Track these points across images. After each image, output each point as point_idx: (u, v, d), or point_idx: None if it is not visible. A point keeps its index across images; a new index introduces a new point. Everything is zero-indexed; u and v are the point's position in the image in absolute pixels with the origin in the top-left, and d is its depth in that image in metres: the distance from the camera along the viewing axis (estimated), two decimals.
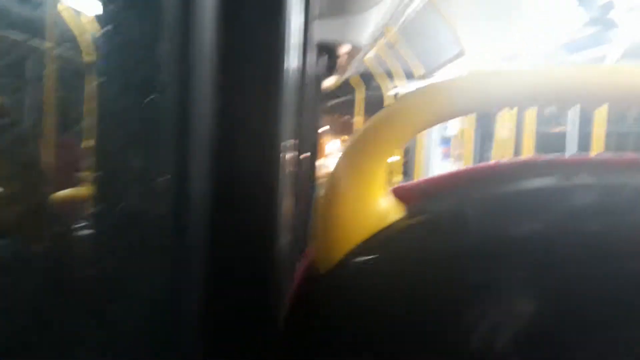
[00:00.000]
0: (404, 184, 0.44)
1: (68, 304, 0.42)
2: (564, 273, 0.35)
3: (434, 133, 6.69)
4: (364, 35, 3.36)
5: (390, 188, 0.42)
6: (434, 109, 0.38)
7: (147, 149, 0.40)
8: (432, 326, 0.36)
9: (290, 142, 0.71)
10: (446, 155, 6.77)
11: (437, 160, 6.75)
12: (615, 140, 4.32)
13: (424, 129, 0.39)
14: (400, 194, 0.42)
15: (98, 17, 0.39)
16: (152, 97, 0.38)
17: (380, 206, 0.40)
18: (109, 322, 0.40)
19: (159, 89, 0.39)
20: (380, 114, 0.40)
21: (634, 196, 0.37)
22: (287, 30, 0.43)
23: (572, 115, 4.59)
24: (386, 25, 3.73)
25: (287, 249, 0.48)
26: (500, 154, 4.12)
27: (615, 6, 2.86)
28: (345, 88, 6.57)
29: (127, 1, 0.39)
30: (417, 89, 0.39)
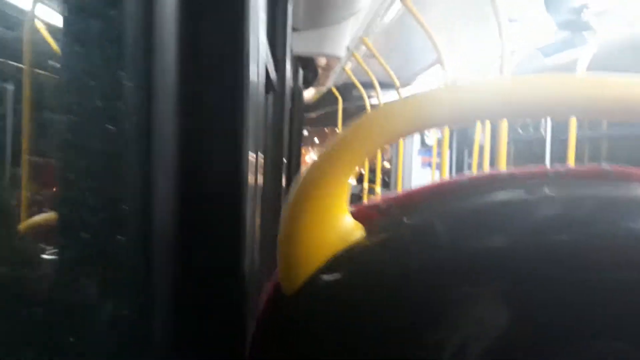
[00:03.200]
0: (362, 204, 0.44)
1: (37, 332, 0.41)
2: (533, 284, 0.35)
3: (414, 142, 6.73)
4: (342, 46, 3.39)
5: (349, 209, 0.42)
6: (392, 127, 0.38)
7: (110, 171, 0.39)
8: (400, 343, 0.36)
9: (260, 156, 0.71)
10: (425, 164, 6.81)
11: (417, 169, 6.79)
12: (589, 145, 4.40)
13: (378, 148, 0.40)
14: (359, 215, 0.42)
15: (62, 29, 0.39)
16: (112, 127, 0.38)
17: (341, 227, 0.40)
18: (76, 346, 0.39)
19: (122, 115, 0.38)
20: (337, 136, 0.40)
21: (596, 207, 0.38)
22: (247, 44, 0.43)
23: (545, 123, 4.66)
24: (363, 35, 3.76)
25: (256, 269, 0.47)
26: (479, 162, 4.15)
27: (588, 8, 2.91)
28: (328, 99, 6.59)
29: (88, 17, 0.39)
30: (372, 110, 0.40)
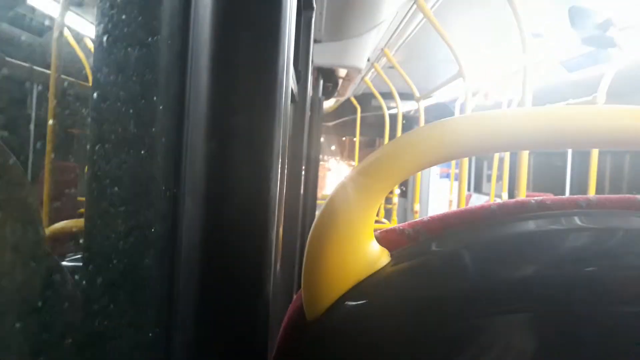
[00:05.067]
0: (388, 228, 0.44)
1: (61, 334, 0.42)
2: (561, 315, 0.35)
3: None
4: (363, 57, 3.40)
5: (375, 233, 0.42)
6: (421, 154, 0.38)
7: (137, 176, 0.39)
8: None
9: (284, 165, 0.71)
10: (443, 175, 6.76)
11: (435, 180, 6.74)
12: (612, 157, 4.33)
13: (409, 175, 0.39)
14: (385, 239, 0.42)
15: (95, 26, 0.39)
16: (142, 127, 0.38)
17: (367, 252, 0.40)
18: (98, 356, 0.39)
19: (152, 115, 0.38)
20: (365, 162, 0.39)
21: (627, 239, 0.38)
22: (283, 53, 0.43)
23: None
24: (384, 47, 3.78)
25: (277, 280, 0.47)
26: (499, 174, 4.12)
27: (613, 24, 2.87)
28: (346, 108, 6.61)
29: (121, 19, 0.39)
30: (407, 134, 0.39)
